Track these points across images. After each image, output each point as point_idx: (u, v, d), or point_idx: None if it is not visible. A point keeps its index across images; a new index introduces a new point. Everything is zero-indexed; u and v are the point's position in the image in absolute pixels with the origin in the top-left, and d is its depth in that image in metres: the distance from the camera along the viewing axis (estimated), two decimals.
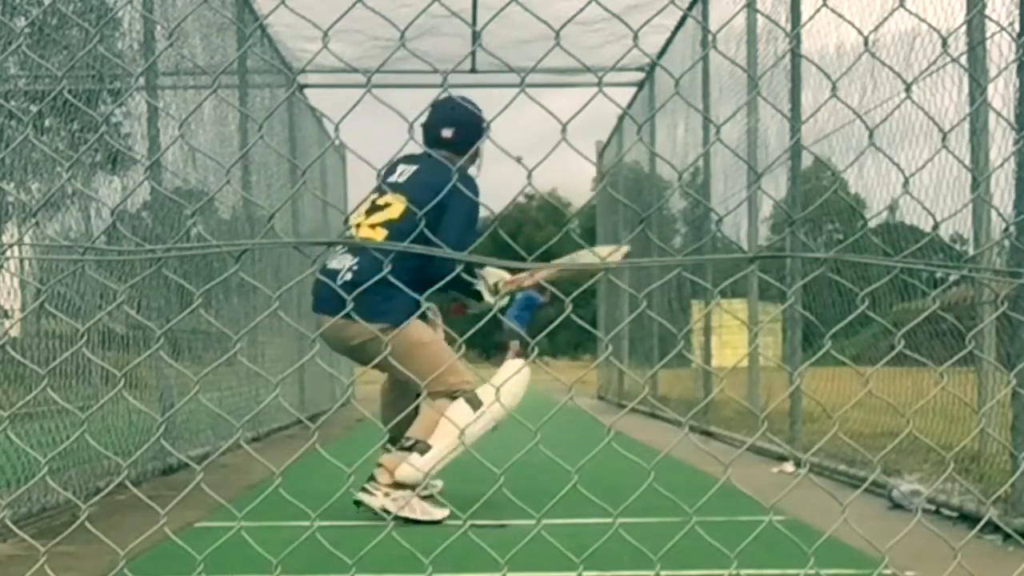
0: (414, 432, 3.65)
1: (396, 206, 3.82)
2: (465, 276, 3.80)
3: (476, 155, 4.08)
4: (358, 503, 3.63)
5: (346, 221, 3.97)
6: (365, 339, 3.60)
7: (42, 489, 3.34)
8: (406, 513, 3.54)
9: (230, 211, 7.25)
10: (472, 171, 4.06)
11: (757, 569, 2.60)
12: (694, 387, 8.03)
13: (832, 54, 4.79)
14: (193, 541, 2.20)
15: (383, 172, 3.81)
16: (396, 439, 3.71)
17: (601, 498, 1.82)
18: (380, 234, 3.77)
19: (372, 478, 3.66)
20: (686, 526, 1.90)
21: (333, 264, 3.78)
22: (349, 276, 3.69)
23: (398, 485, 3.60)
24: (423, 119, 4.01)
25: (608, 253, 3.20)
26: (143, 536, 1.85)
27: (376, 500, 3.60)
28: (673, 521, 2.39)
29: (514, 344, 16.07)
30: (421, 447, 3.60)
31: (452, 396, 3.70)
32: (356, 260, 3.75)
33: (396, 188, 3.82)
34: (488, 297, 3.91)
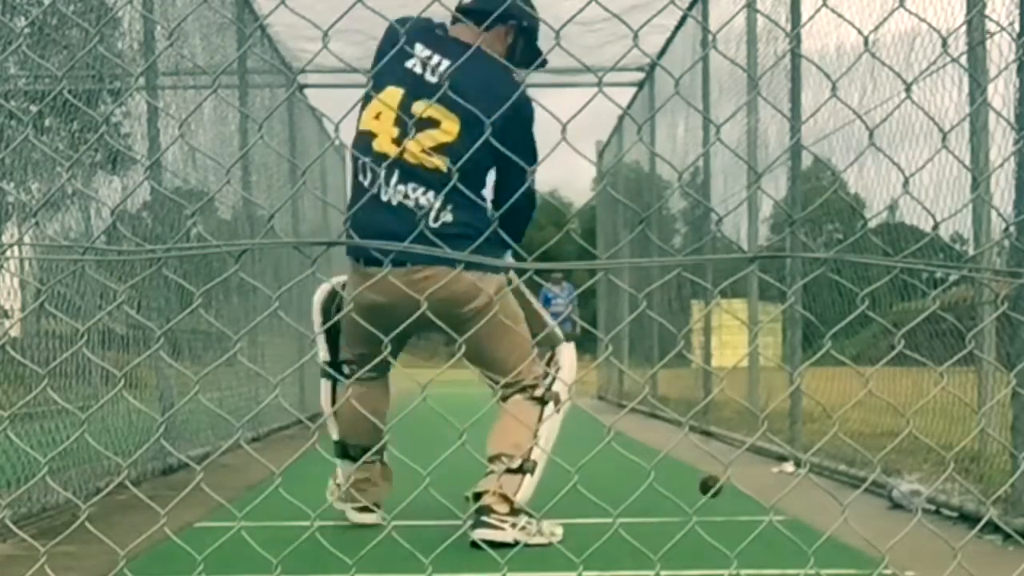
0: (504, 447, 3.03)
1: (447, 125, 3.06)
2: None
3: (531, 54, 3.32)
4: (477, 543, 2.57)
5: (359, 144, 3.15)
6: (476, 303, 2.98)
7: (42, 489, 3.34)
8: (536, 540, 2.94)
9: (230, 211, 7.25)
10: (519, 77, 3.28)
11: (757, 569, 2.60)
12: (694, 387, 8.03)
13: (832, 54, 4.79)
14: (193, 541, 2.20)
15: (394, 51, 2.96)
16: (364, 449, 3.15)
17: (601, 498, 1.83)
18: (443, 163, 3.04)
19: (486, 511, 2.94)
20: (686, 526, 1.90)
21: (392, 198, 3.07)
22: (449, 217, 3.03)
23: (518, 511, 2.97)
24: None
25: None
26: (143, 536, 1.85)
27: (507, 534, 2.92)
28: (673, 521, 2.40)
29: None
30: (529, 467, 3.00)
31: (527, 393, 3.14)
32: (442, 198, 3.04)
33: (434, 92, 3.02)
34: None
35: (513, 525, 2.97)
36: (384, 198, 3.08)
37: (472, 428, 1.78)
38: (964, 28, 3.53)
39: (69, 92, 3.50)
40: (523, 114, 2.95)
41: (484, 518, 2.95)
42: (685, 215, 9.35)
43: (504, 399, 3.12)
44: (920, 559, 2.57)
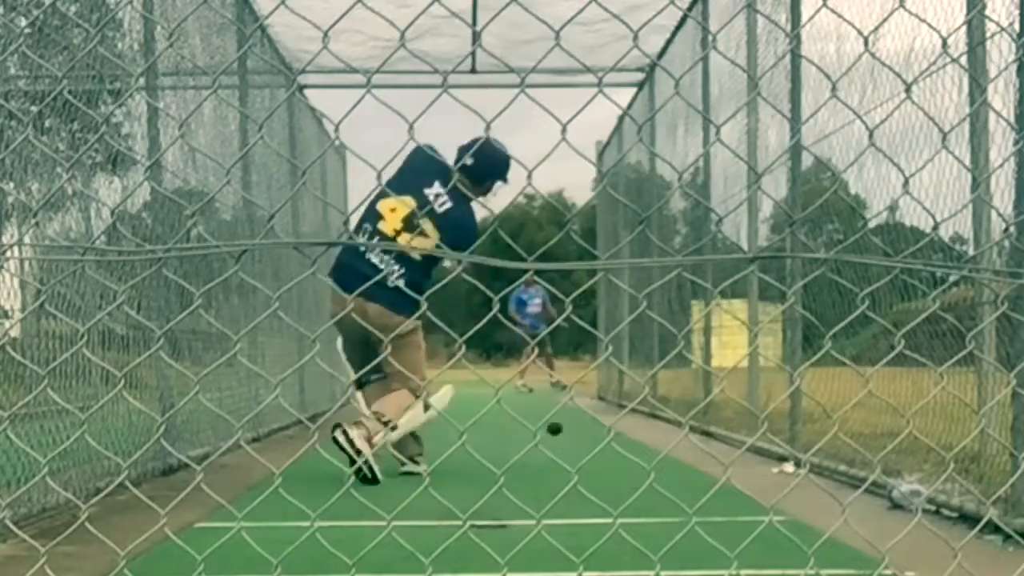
0: (386, 409, 4.78)
1: (432, 238, 4.82)
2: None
3: (488, 190, 5.10)
4: (336, 440, 4.52)
5: (368, 217, 5.00)
6: (403, 329, 4.70)
7: (42, 489, 3.33)
8: (378, 445, 4.67)
9: (230, 211, 7.25)
10: (478, 203, 5.21)
11: (757, 569, 2.60)
12: (694, 387, 8.02)
13: (832, 54, 4.79)
14: (193, 541, 2.20)
15: (419, 171, 4.87)
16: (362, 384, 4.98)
17: (601, 498, 1.82)
18: (416, 256, 4.82)
19: (358, 424, 4.65)
20: (686, 526, 1.90)
21: (373, 259, 4.84)
22: (401, 282, 4.72)
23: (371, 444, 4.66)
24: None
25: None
26: (143, 536, 1.85)
27: (358, 443, 4.54)
28: (673, 521, 2.39)
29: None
30: (392, 427, 4.76)
31: (412, 390, 4.82)
32: (402, 270, 4.83)
33: (434, 218, 4.89)
34: None
35: (366, 441, 4.62)
36: (374, 259, 4.86)
37: (472, 428, 1.78)
38: (964, 28, 3.53)
39: (69, 92, 3.50)
40: (471, 235, 4.76)
41: (350, 424, 4.63)
42: (685, 215, 9.34)
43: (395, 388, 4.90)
44: (920, 559, 2.57)
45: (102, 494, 3.45)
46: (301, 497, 1.90)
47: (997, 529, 2.99)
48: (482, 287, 2.00)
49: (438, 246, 4.56)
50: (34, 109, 3.84)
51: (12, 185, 3.53)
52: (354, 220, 5.15)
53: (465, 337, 1.97)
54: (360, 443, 4.55)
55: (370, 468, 4.57)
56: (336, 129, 1.80)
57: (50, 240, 3.90)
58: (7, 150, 3.23)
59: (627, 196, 11.40)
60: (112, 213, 4.17)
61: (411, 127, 1.89)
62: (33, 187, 3.80)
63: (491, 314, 1.78)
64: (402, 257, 4.84)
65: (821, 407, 4.72)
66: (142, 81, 4.92)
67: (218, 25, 6.38)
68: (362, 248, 4.88)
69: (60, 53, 3.90)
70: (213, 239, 2.85)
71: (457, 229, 4.80)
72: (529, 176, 1.76)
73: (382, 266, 4.81)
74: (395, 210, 4.89)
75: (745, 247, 6.67)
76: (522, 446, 1.87)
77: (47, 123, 4.06)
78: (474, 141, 4.95)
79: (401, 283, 4.67)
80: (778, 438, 5.07)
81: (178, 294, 4.91)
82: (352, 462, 4.45)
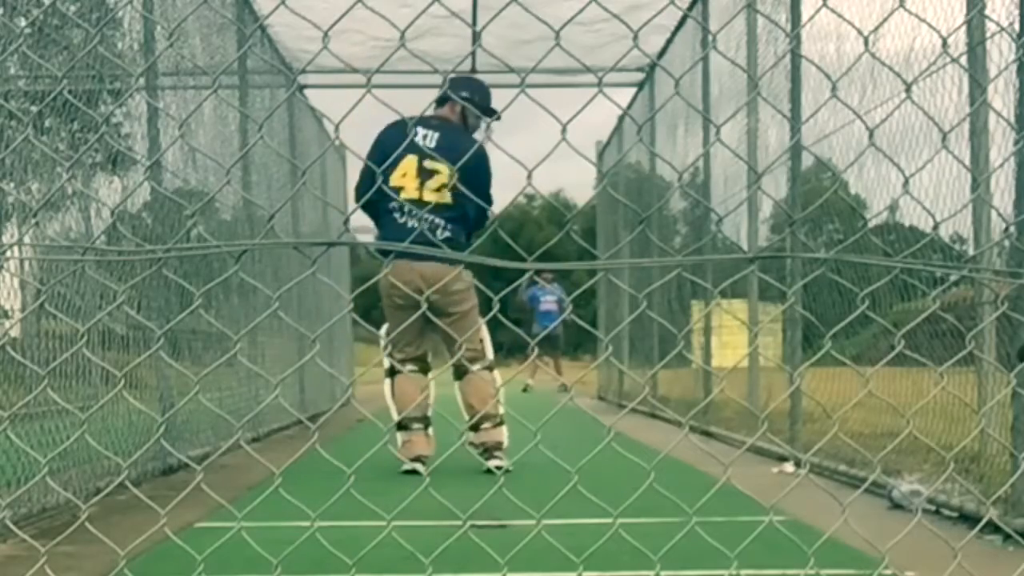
0: (482, 406, 4.79)
1: (443, 172, 4.83)
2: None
3: (476, 125, 5.09)
4: (491, 471, 4.63)
5: (385, 201, 4.88)
6: (459, 285, 4.87)
7: (42, 489, 3.33)
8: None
9: (230, 211, 7.25)
10: (480, 139, 5.09)
11: (757, 569, 2.60)
12: (694, 387, 8.02)
13: (832, 55, 4.79)
14: (193, 541, 2.20)
15: (406, 132, 4.64)
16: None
17: (601, 498, 1.82)
18: (447, 197, 4.91)
19: (489, 454, 4.74)
20: (686, 526, 1.90)
21: (414, 224, 4.83)
22: (448, 234, 4.85)
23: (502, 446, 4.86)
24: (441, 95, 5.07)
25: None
26: (143, 536, 1.85)
27: (507, 461, 4.71)
28: (673, 521, 2.40)
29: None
30: (500, 420, 4.85)
31: (485, 362, 4.96)
32: (443, 221, 4.88)
33: (433, 156, 4.78)
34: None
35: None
36: (414, 224, 4.85)
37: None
38: (964, 28, 3.53)
39: (69, 92, 3.50)
40: (480, 160, 4.79)
41: (494, 454, 4.76)
42: (685, 215, 9.34)
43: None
44: (920, 559, 2.57)
45: (102, 494, 3.45)
46: (301, 497, 1.91)
47: (997, 529, 2.99)
48: (482, 287, 2.00)
49: (453, 186, 4.79)
50: (34, 109, 3.84)
51: (12, 185, 3.53)
52: (355, 220, 5.23)
53: (465, 336, 1.96)
54: (507, 462, 4.69)
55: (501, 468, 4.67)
56: (336, 129, 1.80)
57: (50, 240, 3.90)
58: (7, 150, 3.22)
59: (627, 196, 11.40)
60: (112, 213, 4.17)
61: (411, 127, 1.89)
62: (33, 187, 3.80)
63: (491, 314, 1.78)
64: (440, 209, 4.88)
65: (821, 407, 4.72)
66: (142, 81, 4.92)
67: (218, 25, 6.37)
68: (401, 223, 4.88)
69: (60, 53, 3.90)
70: (213, 239, 2.85)
71: (456, 148, 4.75)
72: (529, 176, 1.76)
73: (423, 226, 4.81)
74: (405, 174, 4.90)
75: (745, 247, 6.66)
76: (522, 446, 1.87)
77: (47, 123, 4.06)
78: (457, 79, 5.19)
79: (449, 235, 4.83)
80: (778, 438, 5.07)
81: (178, 294, 4.91)
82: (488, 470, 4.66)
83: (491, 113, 5.07)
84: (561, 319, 12.94)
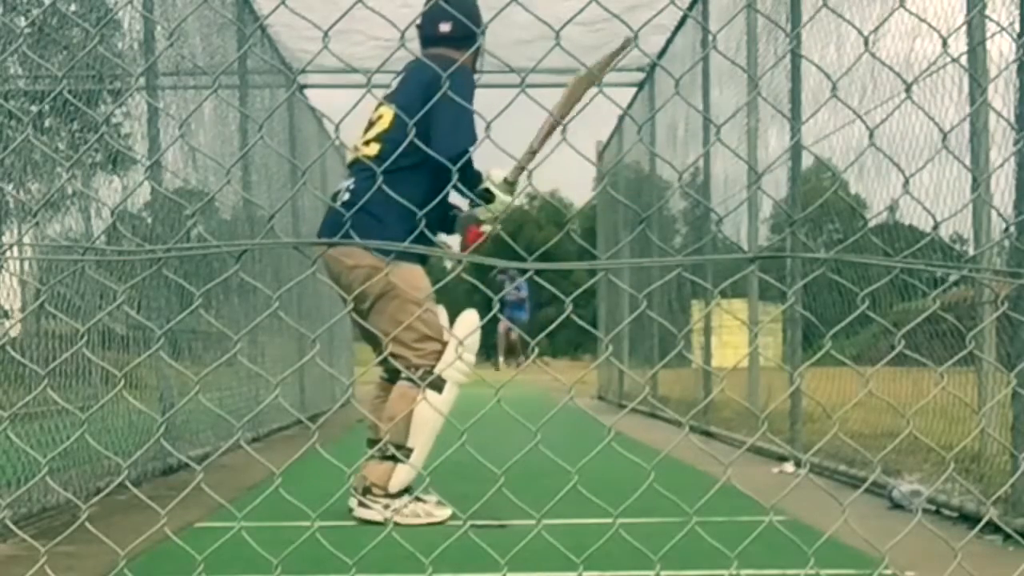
0: (387, 432, 3.45)
1: (386, 115, 3.63)
2: (460, 186, 3.33)
3: (478, 51, 3.85)
4: (356, 516, 3.55)
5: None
6: (351, 263, 3.48)
7: (42, 489, 3.33)
8: (410, 520, 3.46)
9: (230, 211, 7.25)
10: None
11: (757, 569, 2.60)
12: (694, 387, 8.02)
13: (832, 55, 4.79)
14: (193, 541, 2.20)
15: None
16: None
17: (601, 498, 1.82)
18: (374, 149, 3.59)
19: (367, 491, 3.52)
20: (686, 526, 1.90)
21: (341, 195, 3.62)
22: (347, 196, 3.55)
23: (393, 495, 3.52)
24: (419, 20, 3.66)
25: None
26: (143, 536, 1.85)
27: (376, 515, 3.49)
28: (673, 521, 2.40)
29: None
30: (405, 453, 3.44)
31: (415, 373, 3.49)
32: (352, 179, 3.63)
33: (387, 99, 3.64)
34: (501, 195, 3.36)
35: (386, 507, 3.48)
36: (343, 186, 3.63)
37: (472, 428, 1.78)
38: (964, 28, 3.53)
39: (69, 92, 3.50)
40: (448, 86, 2.83)
41: (360, 497, 3.52)
42: (685, 215, 9.34)
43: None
44: (920, 559, 2.57)
45: (102, 494, 3.45)
46: (301, 497, 1.91)
47: (997, 529, 2.99)
48: (482, 287, 2.00)
49: (391, 130, 3.59)
50: (34, 109, 3.84)
51: (12, 185, 3.53)
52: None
53: (465, 337, 1.96)
54: (383, 512, 3.47)
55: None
56: (336, 129, 1.80)
57: (50, 240, 3.90)
58: (7, 150, 3.23)
59: (627, 196, 11.40)
60: (112, 213, 4.17)
61: (411, 127, 1.89)
62: (33, 187, 3.80)
63: (491, 314, 1.78)
64: (361, 168, 3.59)
65: (821, 407, 4.72)
66: (142, 81, 4.92)
67: (218, 25, 6.37)
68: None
69: (60, 53, 3.90)
70: (213, 239, 2.85)
71: (413, 88, 3.57)
72: (529, 176, 1.76)
73: (339, 187, 3.71)
74: (358, 136, 3.78)
75: (745, 247, 6.66)
76: (522, 446, 1.87)
77: (47, 123, 4.06)
78: (429, 4, 3.73)
79: (347, 197, 3.57)
80: (778, 438, 5.07)
81: (178, 294, 4.91)
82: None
83: (480, 22, 3.75)
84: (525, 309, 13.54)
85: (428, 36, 3.73)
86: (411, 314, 3.41)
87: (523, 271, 1.66)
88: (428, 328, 3.53)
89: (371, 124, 3.68)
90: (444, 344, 3.55)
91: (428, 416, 3.45)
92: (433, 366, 3.52)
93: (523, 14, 1.81)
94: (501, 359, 15.82)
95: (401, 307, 3.48)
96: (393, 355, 3.47)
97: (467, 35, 3.65)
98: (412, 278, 3.50)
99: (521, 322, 16.66)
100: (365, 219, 2.77)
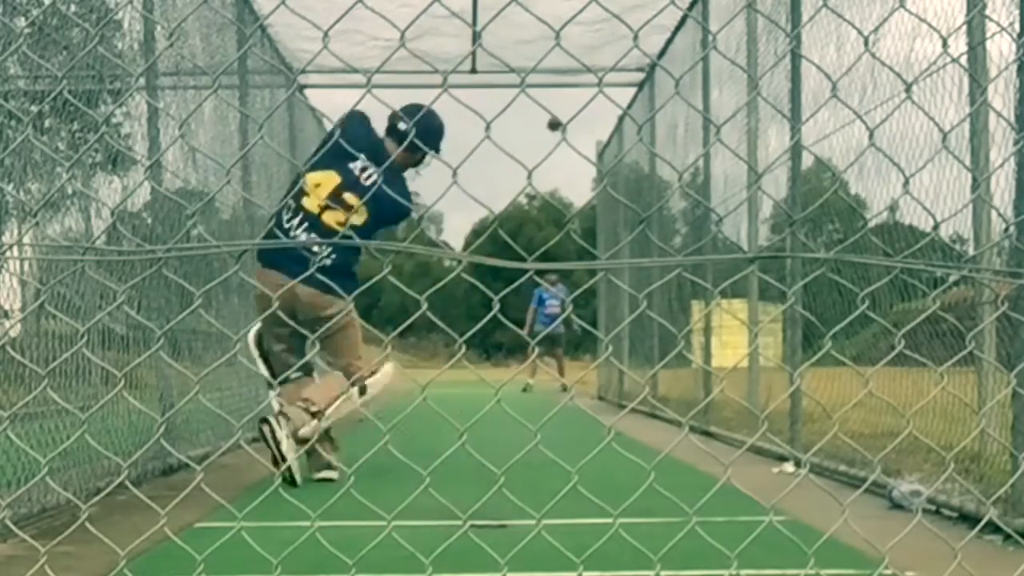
0: (314, 396, 4.59)
1: (361, 214, 4.68)
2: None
3: (420, 161, 4.86)
4: (263, 435, 4.46)
5: (296, 184, 5.03)
6: (332, 311, 4.49)
7: (42, 489, 3.33)
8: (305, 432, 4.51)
9: (230, 211, 7.25)
10: (410, 173, 4.94)
11: (757, 569, 2.60)
12: (694, 387, 8.02)
13: (832, 55, 4.79)
14: (193, 541, 2.20)
15: (350, 141, 4.34)
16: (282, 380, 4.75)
17: (601, 498, 1.82)
18: (344, 228, 4.61)
19: (281, 414, 4.50)
20: (686, 526, 1.90)
21: (302, 236, 4.64)
22: (328, 262, 4.58)
23: (301, 440, 4.55)
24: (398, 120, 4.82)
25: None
26: (143, 536, 1.85)
27: (284, 445, 4.41)
28: (673, 521, 2.39)
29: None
30: (319, 416, 4.56)
31: (349, 376, 4.69)
32: (331, 251, 4.62)
33: (361, 193, 4.66)
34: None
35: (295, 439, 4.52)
36: (302, 236, 4.65)
37: (472, 428, 1.78)
38: (964, 28, 3.53)
39: (69, 92, 3.50)
40: (403, 209, 4.68)
41: (279, 417, 4.50)
42: (685, 215, 9.34)
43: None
44: (920, 559, 2.57)
45: (102, 494, 3.44)
46: (301, 497, 1.91)
47: (997, 529, 2.99)
48: (482, 287, 2.00)
49: (365, 226, 4.66)
50: (34, 109, 3.84)
51: (12, 185, 3.53)
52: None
53: (465, 337, 1.97)
54: (286, 446, 4.40)
55: (291, 474, 4.46)
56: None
57: (50, 240, 3.90)
58: (7, 150, 3.22)
59: (627, 196, 11.39)
60: (112, 213, 4.17)
61: (411, 127, 1.89)
62: (33, 187, 3.80)
63: (491, 314, 1.78)
64: (330, 235, 4.60)
65: (821, 407, 4.72)
66: (142, 81, 4.91)
67: (218, 25, 6.37)
68: (288, 225, 4.64)
69: (60, 53, 3.90)
70: (213, 239, 2.85)
71: (385, 203, 4.46)
72: (529, 176, 1.76)
73: (310, 246, 4.63)
74: (320, 185, 4.69)
75: (745, 247, 6.66)
76: (522, 446, 1.87)
77: (47, 123, 4.06)
78: (409, 107, 4.56)
79: (328, 263, 4.55)
80: (778, 438, 5.07)
81: (178, 294, 4.91)
82: (275, 461, 4.35)
83: (433, 147, 4.73)
84: (561, 319, 13.00)
85: (389, 128, 4.89)
86: (361, 341, 5.00)
87: (561, 277, 1.66)
88: (362, 350, 5.01)
89: (341, 202, 4.69)
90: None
91: (342, 405, 4.63)
92: (366, 376, 4.83)
93: (523, 14, 1.81)
94: (531, 381, 15.08)
95: (355, 335, 4.92)
96: (349, 364, 4.74)
97: (415, 146, 4.55)
98: (357, 317, 5.02)
99: (556, 333, 15.39)
100: (342, 278, 3.95)
